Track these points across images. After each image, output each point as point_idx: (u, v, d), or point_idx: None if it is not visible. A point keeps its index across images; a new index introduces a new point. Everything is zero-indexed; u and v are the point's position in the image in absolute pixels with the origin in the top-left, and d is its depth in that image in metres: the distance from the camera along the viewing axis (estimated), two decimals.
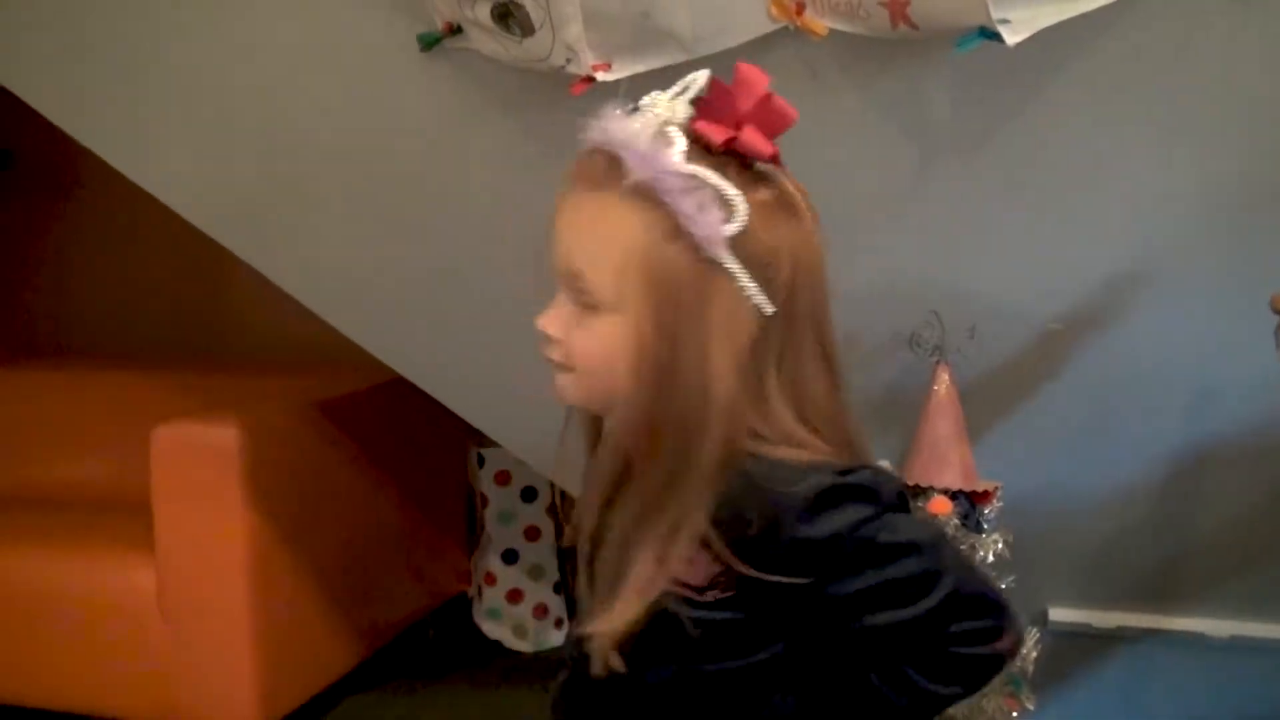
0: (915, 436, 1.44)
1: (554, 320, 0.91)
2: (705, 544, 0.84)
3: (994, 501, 1.45)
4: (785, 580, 0.83)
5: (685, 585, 0.85)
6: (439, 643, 2.53)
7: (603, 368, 0.88)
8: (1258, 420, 1.54)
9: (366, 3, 1.42)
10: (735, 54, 1.25)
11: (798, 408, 0.87)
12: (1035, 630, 1.49)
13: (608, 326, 0.87)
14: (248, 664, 1.91)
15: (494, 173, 1.55)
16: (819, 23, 1.22)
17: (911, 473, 1.43)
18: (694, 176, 0.83)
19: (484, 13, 1.31)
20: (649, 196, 0.83)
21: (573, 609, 2.49)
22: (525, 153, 1.49)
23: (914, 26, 1.17)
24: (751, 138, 0.85)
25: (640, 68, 1.30)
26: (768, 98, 0.85)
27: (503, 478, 2.53)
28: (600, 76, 1.29)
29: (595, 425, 0.99)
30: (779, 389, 0.87)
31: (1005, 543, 1.44)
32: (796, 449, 0.86)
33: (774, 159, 0.87)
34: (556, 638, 2.54)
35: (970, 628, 0.87)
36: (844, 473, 0.85)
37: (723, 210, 0.83)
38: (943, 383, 1.44)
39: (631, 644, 0.86)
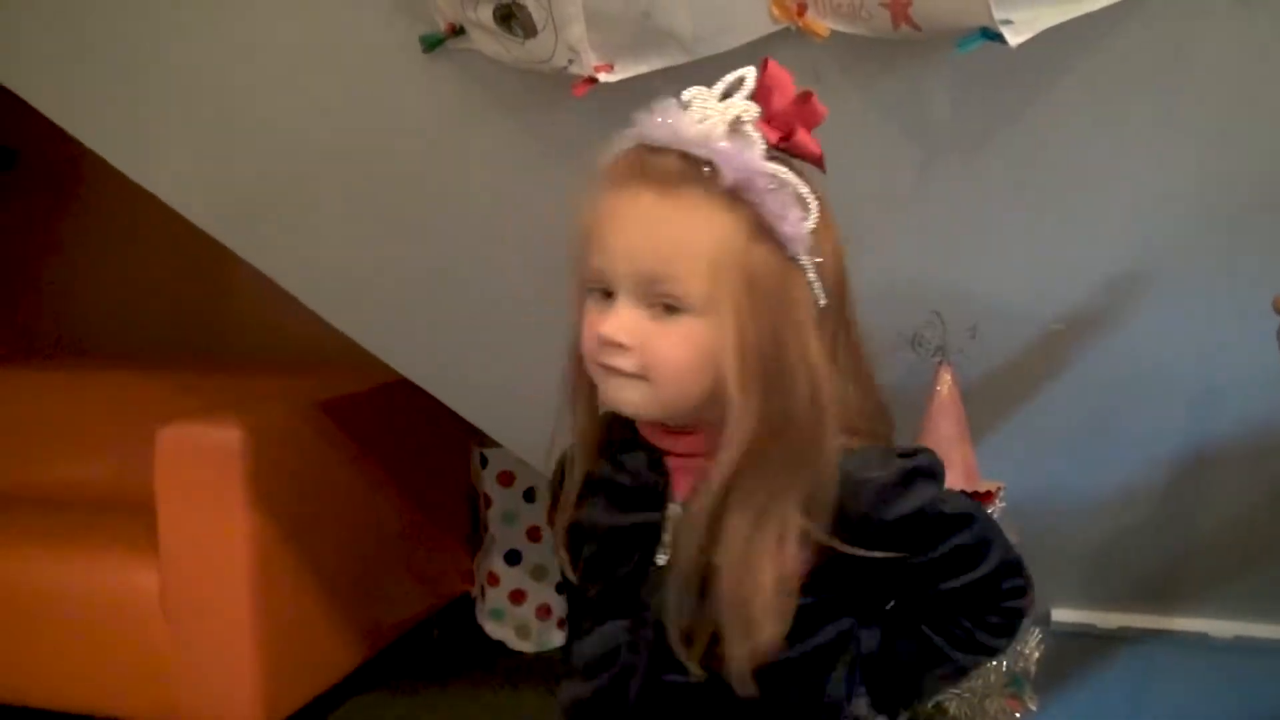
0: (917, 437, 1.44)
1: (625, 327, 0.86)
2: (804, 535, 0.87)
3: (996, 502, 1.44)
4: (885, 556, 0.88)
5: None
6: (442, 643, 2.53)
7: (686, 374, 0.86)
8: (1260, 420, 1.54)
9: (367, 3, 1.42)
10: (736, 55, 1.25)
11: (847, 397, 0.91)
12: (1038, 631, 1.49)
13: (694, 330, 0.85)
14: (250, 664, 1.91)
15: (496, 173, 1.55)
16: (821, 24, 1.22)
17: None
18: (775, 176, 0.85)
19: (486, 14, 1.31)
20: (736, 196, 0.84)
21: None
22: (527, 153, 1.49)
23: (916, 27, 1.17)
24: (805, 138, 0.87)
25: (642, 68, 1.29)
26: (808, 96, 0.87)
27: (506, 478, 2.53)
28: (602, 78, 1.29)
29: (600, 427, 0.97)
30: (838, 379, 0.89)
31: None
32: (851, 436, 0.90)
33: (820, 159, 0.89)
34: (559, 638, 2.54)
35: (1013, 585, 0.96)
36: (908, 455, 0.92)
37: (800, 209, 0.85)
38: (945, 383, 1.44)
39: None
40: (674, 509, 0.92)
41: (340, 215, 1.67)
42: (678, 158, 0.84)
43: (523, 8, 1.28)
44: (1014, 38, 1.14)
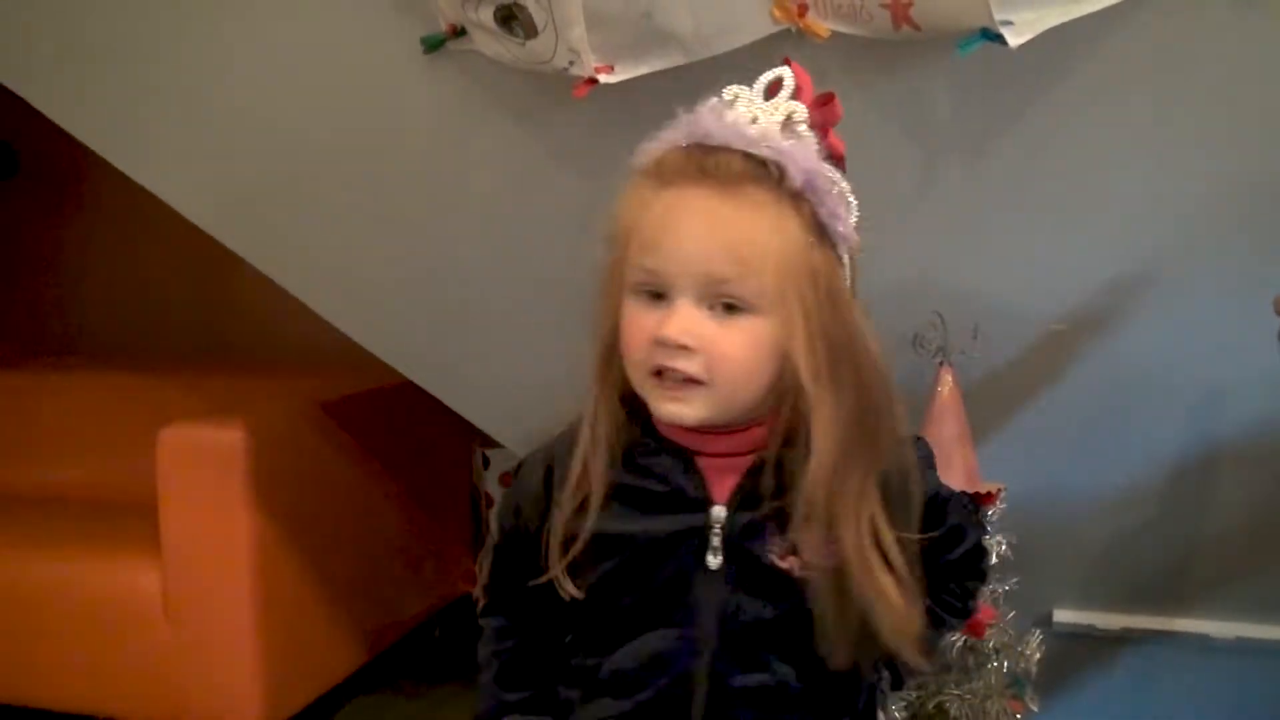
0: None
1: (689, 329, 0.84)
2: None
3: (998, 503, 1.45)
4: (926, 536, 0.93)
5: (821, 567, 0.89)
6: (444, 644, 2.53)
7: (748, 374, 0.85)
8: (1261, 422, 1.54)
9: (369, 4, 1.42)
10: (737, 56, 1.26)
11: None
12: (1039, 632, 1.49)
13: (756, 329, 0.84)
14: (253, 665, 1.91)
15: (497, 173, 1.55)
16: (821, 25, 1.22)
17: None
18: (829, 176, 0.86)
19: (487, 15, 1.31)
20: (799, 195, 0.84)
21: None
22: (528, 154, 1.49)
23: (916, 28, 1.17)
24: (835, 138, 0.89)
25: (643, 69, 1.30)
26: (830, 98, 0.88)
27: (508, 479, 2.52)
28: (603, 79, 1.29)
29: (620, 432, 0.93)
30: None
31: (1009, 544, 1.44)
32: None
33: (843, 160, 0.91)
34: None
35: (984, 549, 1.07)
36: (916, 439, 0.97)
37: (847, 208, 0.88)
38: (946, 384, 1.44)
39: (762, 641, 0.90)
40: (717, 511, 0.90)
41: (341, 215, 1.67)
42: (740, 157, 0.84)
43: (523, 9, 1.28)
44: (1014, 39, 1.14)
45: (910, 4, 1.15)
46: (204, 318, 2.87)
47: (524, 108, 1.45)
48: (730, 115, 0.86)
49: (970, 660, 1.43)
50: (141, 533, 1.97)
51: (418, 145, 1.54)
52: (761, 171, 0.83)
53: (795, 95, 0.87)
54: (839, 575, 0.87)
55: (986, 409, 1.53)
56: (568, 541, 0.92)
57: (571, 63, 1.30)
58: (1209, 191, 1.33)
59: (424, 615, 2.47)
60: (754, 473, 0.90)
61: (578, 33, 1.26)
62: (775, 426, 0.89)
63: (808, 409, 0.84)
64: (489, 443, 2.38)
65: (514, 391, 1.78)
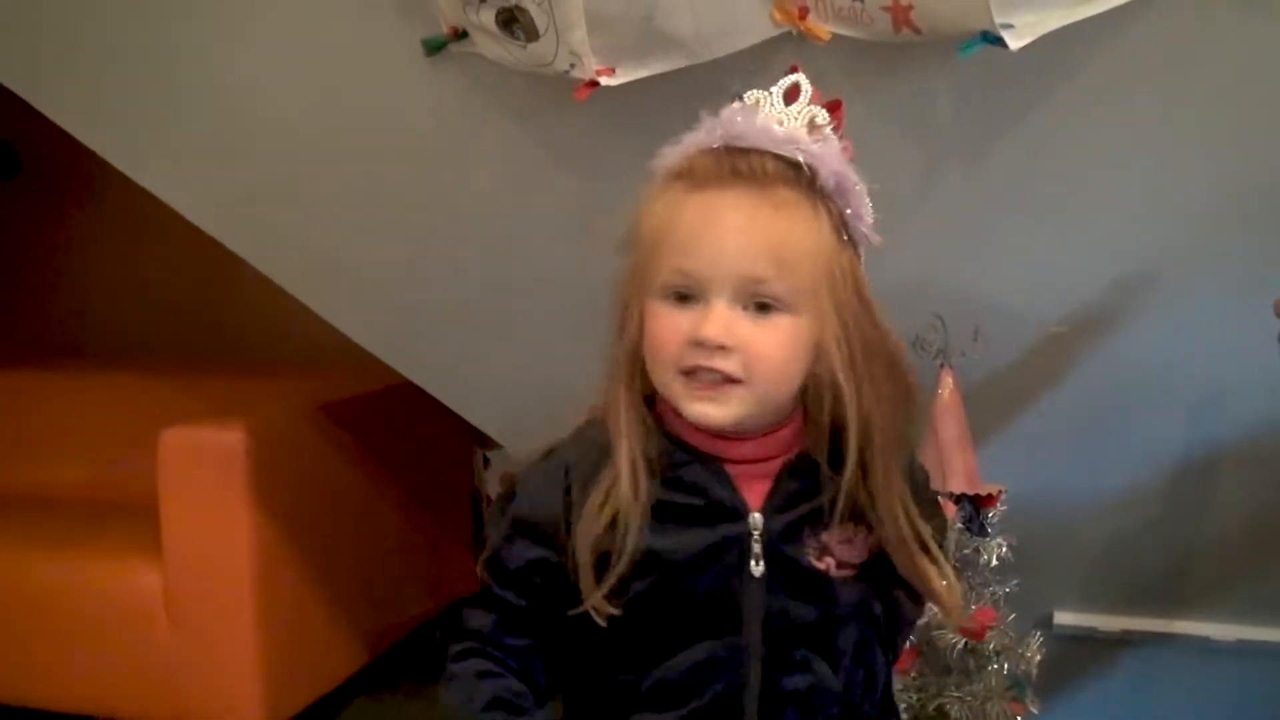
0: (920, 440, 1.44)
1: (727, 329, 0.84)
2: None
3: (998, 505, 1.44)
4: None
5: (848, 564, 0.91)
6: (445, 645, 2.52)
7: (784, 372, 0.87)
8: (1262, 423, 1.54)
9: (370, 5, 1.42)
10: (738, 59, 1.26)
11: None
12: (1039, 634, 1.49)
13: (791, 327, 0.85)
14: (254, 666, 1.91)
15: (497, 175, 1.55)
16: (822, 27, 1.22)
17: None
18: (854, 178, 0.88)
19: (489, 18, 1.31)
20: (828, 196, 0.86)
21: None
22: (528, 155, 1.49)
23: (917, 31, 1.17)
24: (848, 143, 0.91)
25: (644, 72, 1.30)
26: (838, 106, 0.90)
27: (508, 479, 2.52)
28: (604, 81, 1.29)
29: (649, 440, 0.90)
30: None
31: (1009, 546, 1.44)
32: None
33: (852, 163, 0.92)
34: None
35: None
36: None
37: (868, 210, 0.90)
38: (947, 386, 1.44)
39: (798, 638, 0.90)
40: (755, 518, 0.89)
41: (341, 216, 1.67)
42: (771, 159, 0.85)
43: (525, 11, 1.28)
44: (1015, 42, 1.14)
45: (911, 7, 1.15)
46: (204, 318, 2.87)
47: (524, 109, 1.45)
48: (760, 118, 0.87)
49: (971, 662, 1.43)
50: (142, 533, 1.97)
51: (418, 146, 1.54)
52: (792, 173, 0.85)
53: (811, 101, 0.89)
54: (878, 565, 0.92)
55: (987, 411, 1.53)
56: (600, 561, 0.87)
57: (573, 65, 1.30)
58: (1210, 193, 1.33)
59: (425, 616, 2.47)
60: (787, 475, 0.90)
61: (579, 35, 1.26)
62: (801, 428, 0.91)
63: (840, 405, 0.86)
64: (489, 444, 2.38)
65: (514, 392, 1.78)
